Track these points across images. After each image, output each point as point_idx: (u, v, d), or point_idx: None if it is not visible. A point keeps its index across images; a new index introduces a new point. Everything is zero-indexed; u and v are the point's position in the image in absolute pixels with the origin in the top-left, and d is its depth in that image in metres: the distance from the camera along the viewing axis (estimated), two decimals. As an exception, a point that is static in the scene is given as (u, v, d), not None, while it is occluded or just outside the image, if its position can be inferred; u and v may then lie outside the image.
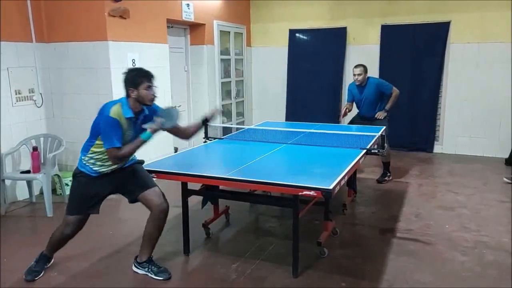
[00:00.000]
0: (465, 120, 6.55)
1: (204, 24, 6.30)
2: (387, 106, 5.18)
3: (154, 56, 5.20)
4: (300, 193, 2.60)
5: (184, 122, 6.19)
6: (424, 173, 5.66)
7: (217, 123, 6.47)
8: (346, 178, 2.90)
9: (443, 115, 6.70)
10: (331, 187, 2.54)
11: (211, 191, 3.41)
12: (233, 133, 4.59)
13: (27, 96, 4.63)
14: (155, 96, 2.82)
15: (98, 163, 2.81)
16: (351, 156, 3.35)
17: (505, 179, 5.14)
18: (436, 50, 6.51)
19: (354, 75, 5.14)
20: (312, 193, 2.55)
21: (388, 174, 5.31)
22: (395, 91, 5.17)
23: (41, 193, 4.48)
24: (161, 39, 5.34)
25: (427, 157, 6.54)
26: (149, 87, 2.77)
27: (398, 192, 4.85)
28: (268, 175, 2.88)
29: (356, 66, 5.16)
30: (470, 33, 6.31)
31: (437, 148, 6.80)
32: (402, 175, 5.55)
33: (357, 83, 5.17)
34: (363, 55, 6.97)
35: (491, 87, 6.29)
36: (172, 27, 5.92)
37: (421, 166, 6.04)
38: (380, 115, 5.14)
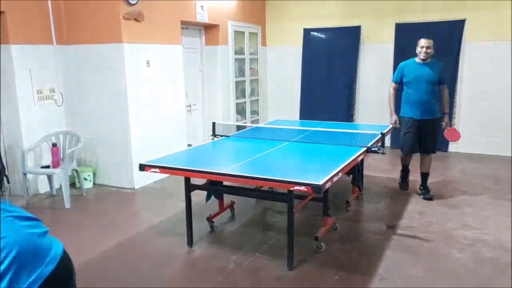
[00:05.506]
0: (480, 119, 6.47)
1: (218, 25, 6.46)
2: (446, 109, 4.53)
3: (168, 57, 5.41)
4: (292, 188, 2.72)
5: (197, 121, 6.35)
6: (436, 171, 5.62)
7: (231, 121, 6.63)
8: (340, 174, 2.99)
9: (459, 113, 6.63)
10: (321, 182, 2.65)
11: (214, 186, 3.57)
12: (240, 131, 4.73)
13: (48, 96, 4.91)
14: None
15: None
16: (349, 153, 3.43)
17: (517, 178, 5.06)
18: (451, 48, 6.44)
19: (423, 47, 4.33)
20: (302, 188, 2.67)
21: (428, 189, 4.65)
22: (446, 88, 4.59)
23: (62, 186, 4.75)
24: (174, 40, 5.53)
25: (442, 156, 6.47)
26: None
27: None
28: (266, 171, 3.01)
29: (425, 37, 4.39)
30: (485, 31, 6.23)
31: (453, 147, 6.73)
32: (412, 173, 5.53)
33: (423, 57, 4.34)
34: (377, 54, 7.01)
35: (506, 85, 6.18)
36: (187, 28, 6.11)
37: (434, 164, 5.96)
38: (448, 123, 4.59)
